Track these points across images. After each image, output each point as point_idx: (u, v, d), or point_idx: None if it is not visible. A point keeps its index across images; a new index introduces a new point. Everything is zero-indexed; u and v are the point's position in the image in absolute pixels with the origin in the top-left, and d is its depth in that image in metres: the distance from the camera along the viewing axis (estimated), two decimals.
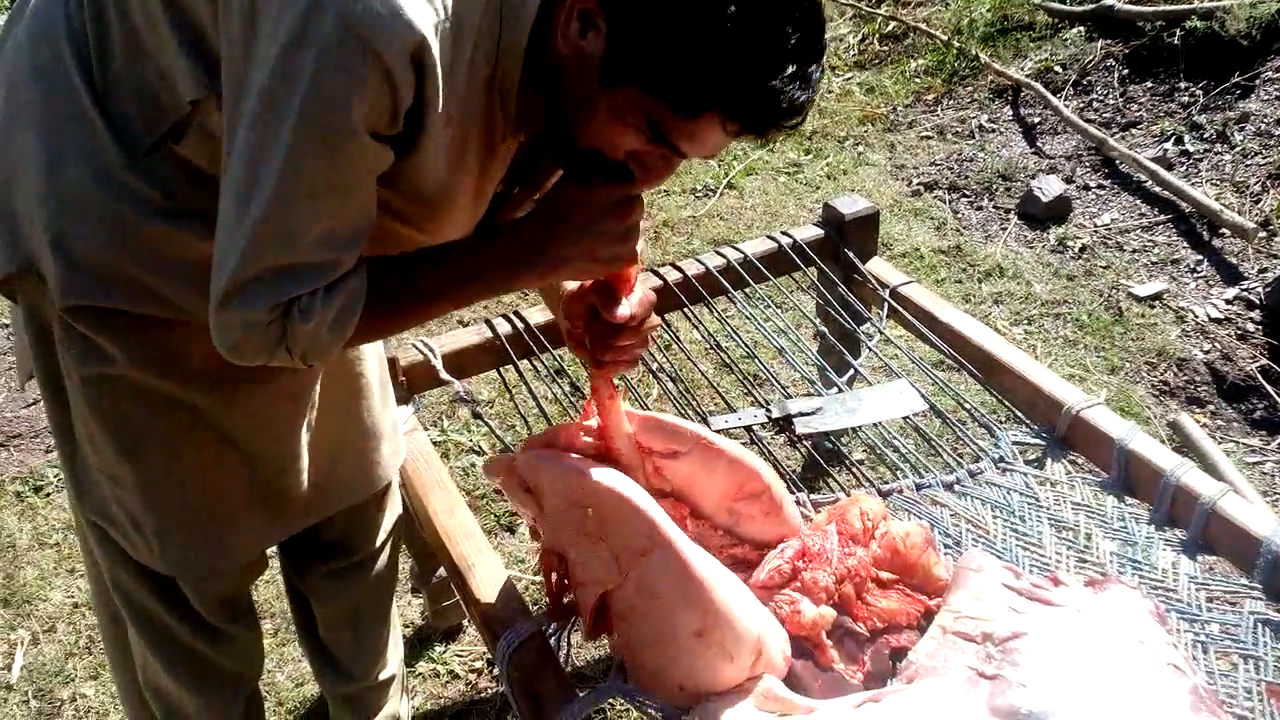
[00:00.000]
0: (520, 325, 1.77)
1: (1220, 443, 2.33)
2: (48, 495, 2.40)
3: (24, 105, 1.03)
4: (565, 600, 1.21)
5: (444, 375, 1.68)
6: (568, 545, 1.15)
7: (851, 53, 4.45)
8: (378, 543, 1.50)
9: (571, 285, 1.15)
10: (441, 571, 1.84)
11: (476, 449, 2.49)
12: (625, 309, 1.06)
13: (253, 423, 1.18)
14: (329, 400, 1.28)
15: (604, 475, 1.12)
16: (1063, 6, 4.14)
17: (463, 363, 1.75)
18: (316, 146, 0.84)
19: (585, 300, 1.10)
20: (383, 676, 1.61)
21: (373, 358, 1.36)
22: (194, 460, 1.17)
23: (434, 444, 2.46)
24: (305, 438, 1.25)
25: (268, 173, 0.85)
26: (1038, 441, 1.56)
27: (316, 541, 1.44)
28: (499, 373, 1.80)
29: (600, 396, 1.17)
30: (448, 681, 1.96)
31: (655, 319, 1.12)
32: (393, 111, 0.86)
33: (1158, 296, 2.84)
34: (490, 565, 1.35)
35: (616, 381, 1.20)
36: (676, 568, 1.08)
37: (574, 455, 1.18)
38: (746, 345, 1.87)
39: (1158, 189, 3.25)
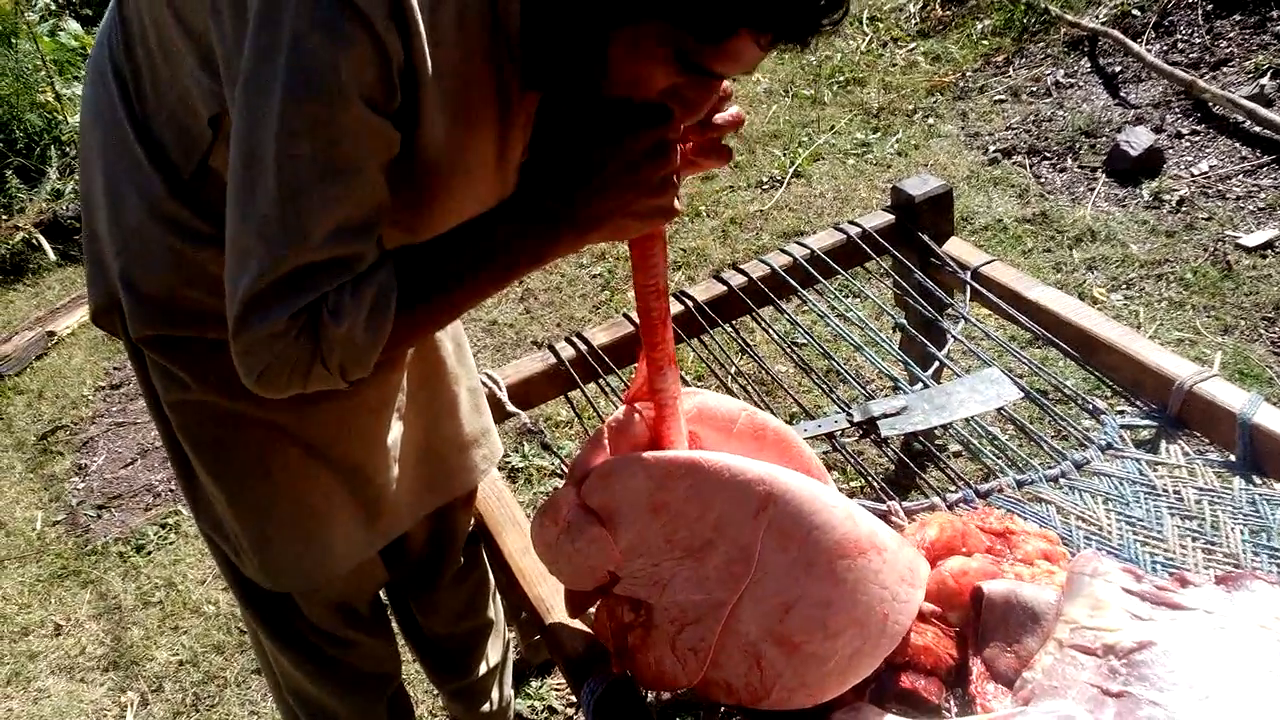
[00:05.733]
0: (584, 348, 1.71)
1: None
2: (149, 554, 2.45)
3: (92, 145, 1.08)
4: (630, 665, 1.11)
5: (510, 407, 1.63)
6: (658, 580, 1.05)
7: (913, 21, 4.29)
8: (464, 544, 1.50)
9: None
10: None
11: (559, 472, 2.45)
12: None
13: (336, 435, 1.17)
14: (417, 409, 1.27)
15: (683, 454, 1.04)
16: None
17: (529, 391, 1.70)
18: (310, 122, 0.79)
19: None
20: (488, 668, 1.63)
21: (461, 369, 1.34)
22: (281, 474, 1.16)
23: (515, 470, 2.44)
24: (393, 447, 1.23)
25: (264, 159, 0.80)
26: (1149, 422, 1.43)
27: (403, 551, 1.43)
28: (567, 398, 1.75)
29: (665, 392, 1.05)
30: (546, 718, 1.92)
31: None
32: (383, 70, 0.80)
33: (1269, 245, 2.64)
34: None
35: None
36: (805, 501, 1.01)
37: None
38: (820, 345, 1.77)
39: (1258, 129, 3.03)
